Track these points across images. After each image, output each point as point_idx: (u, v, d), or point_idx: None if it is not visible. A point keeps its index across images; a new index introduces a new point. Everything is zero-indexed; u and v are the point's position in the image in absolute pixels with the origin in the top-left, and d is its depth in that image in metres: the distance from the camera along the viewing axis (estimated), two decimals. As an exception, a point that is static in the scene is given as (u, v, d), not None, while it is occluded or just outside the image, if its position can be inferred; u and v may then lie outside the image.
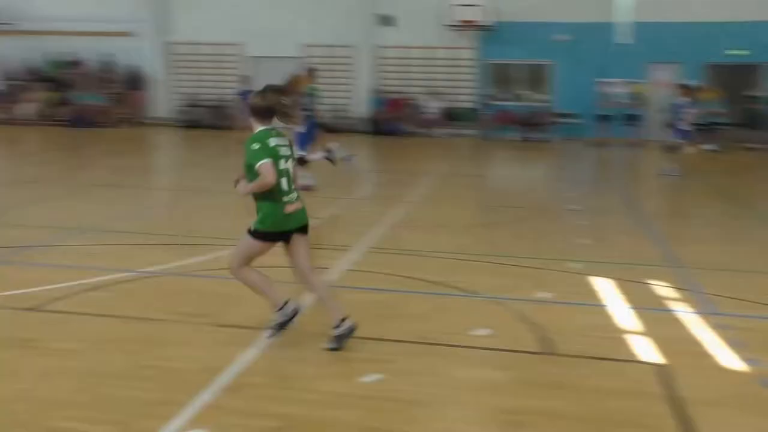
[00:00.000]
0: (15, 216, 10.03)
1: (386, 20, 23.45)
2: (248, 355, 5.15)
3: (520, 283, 7.12)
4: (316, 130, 12.05)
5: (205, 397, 4.49)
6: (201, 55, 24.66)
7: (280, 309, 5.43)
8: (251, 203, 5.25)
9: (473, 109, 23.36)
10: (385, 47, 23.68)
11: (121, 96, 24.65)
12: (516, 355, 5.32)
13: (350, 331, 5.28)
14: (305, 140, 11.41)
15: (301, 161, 10.08)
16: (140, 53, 24.56)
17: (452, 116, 23.34)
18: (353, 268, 7.56)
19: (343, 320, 5.26)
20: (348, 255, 8.01)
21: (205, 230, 9.08)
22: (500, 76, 23.64)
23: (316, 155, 11.44)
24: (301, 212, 5.34)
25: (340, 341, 5.25)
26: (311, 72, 13.00)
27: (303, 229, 5.36)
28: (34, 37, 24.79)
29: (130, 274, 7.12)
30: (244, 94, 15.76)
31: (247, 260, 5.35)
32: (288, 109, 5.35)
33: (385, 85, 23.96)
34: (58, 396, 4.51)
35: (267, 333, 5.45)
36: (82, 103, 24.13)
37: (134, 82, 24.78)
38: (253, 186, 5.11)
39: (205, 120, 23.99)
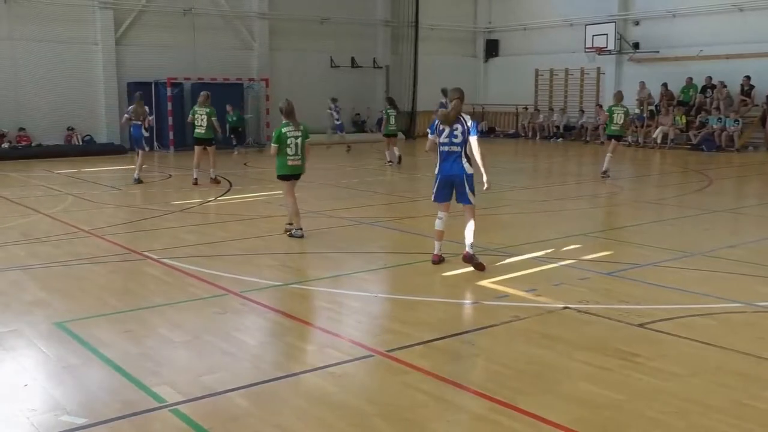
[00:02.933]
0: (631, 233, 10.56)
1: None
2: None
3: None
4: None
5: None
6: None
7: (295, 229, 9.77)
8: None
9: None
10: None
11: (754, 119, 23.62)
12: None
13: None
14: None
15: None
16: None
17: None
18: None
19: None
20: None
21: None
22: None
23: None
24: (297, 167, 9.69)
25: None
26: None
27: (297, 176, 9.81)
28: (675, 63, 25.56)
29: (737, 305, 6.77)
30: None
31: (287, 192, 9.82)
32: None
33: None
34: (651, 414, 4.53)
35: None
36: (714, 126, 23.85)
37: (773, 104, 23.28)
38: (272, 153, 9.74)
39: None
